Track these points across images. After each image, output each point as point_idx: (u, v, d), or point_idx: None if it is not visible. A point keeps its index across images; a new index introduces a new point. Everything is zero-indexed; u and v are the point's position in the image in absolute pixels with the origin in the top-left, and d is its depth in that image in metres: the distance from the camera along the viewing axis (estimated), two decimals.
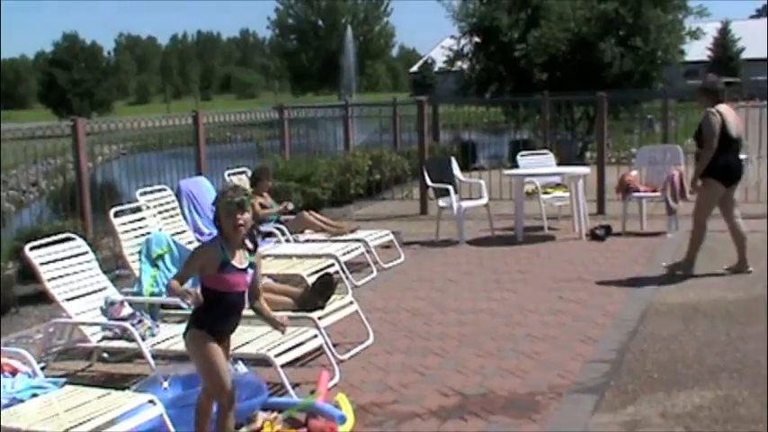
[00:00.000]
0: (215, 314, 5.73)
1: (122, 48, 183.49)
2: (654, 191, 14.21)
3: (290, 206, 13.22)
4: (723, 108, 11.16)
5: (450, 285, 11.31)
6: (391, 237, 12.90)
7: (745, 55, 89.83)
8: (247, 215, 5.63)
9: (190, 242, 10.66)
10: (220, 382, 5.72)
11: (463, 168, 17.01)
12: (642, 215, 14.48)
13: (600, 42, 28.14)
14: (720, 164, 11.02)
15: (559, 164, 16.22)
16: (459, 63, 32.51)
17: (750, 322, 9.09)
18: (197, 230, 11.84)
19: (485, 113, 29.28)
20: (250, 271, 5.77)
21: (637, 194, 14.29)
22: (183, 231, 11.16)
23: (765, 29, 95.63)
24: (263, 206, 12.85)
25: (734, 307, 9.72)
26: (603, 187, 16.07)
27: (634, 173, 14.71)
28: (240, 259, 5.71)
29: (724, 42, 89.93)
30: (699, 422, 6.56)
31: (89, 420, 5.63)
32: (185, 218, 11.68)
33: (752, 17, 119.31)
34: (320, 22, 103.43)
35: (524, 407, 6.97)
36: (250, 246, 5.78)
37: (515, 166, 15.58)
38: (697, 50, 54.46)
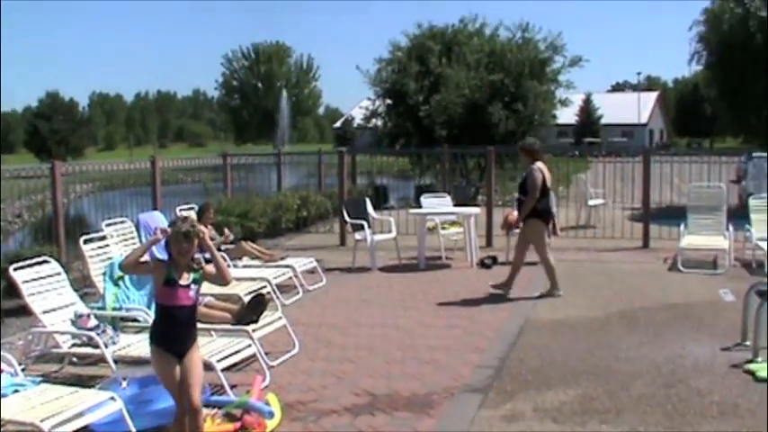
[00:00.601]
0: (166, 327, 5.61)
1: (94, 103, 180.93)
2: None
3: (231, 236, 13.26)
4: (540, 164, 11.71)
5: (364, 304, 11.31)
6: (315, 264, 12.86)
7: (603, 120, 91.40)
8: (188, 244, 5.58)
9: None
10: (175, 395, 5.61)
11: (376, 207, 17.07)
12: None
13: (489, 106, 28.40)
14: (541, 207, 11.61)
15: (456, 205, 16.30)
16: (374, 120, 32.57)
17: (604, 334, 9.28)
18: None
19: (395, 162, 29.46)
20: (193, 287, 5.65)
21: (517, 230, 14.40)
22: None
23: (618, 101, 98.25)
24: (210, 237, 12.89)
25: (593, 322, 9.87)
26: (491, 224, 16.19)
27: (515, 213, 14.82)
28: (185, 278, 5.61)
29: (587, 109, 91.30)
30: (563, 414, 6.69)
31: (61, 413, 5.70)
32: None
33: (608, 91, 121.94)
34: (260, 84, 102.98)
35: (423, 404, 7.02)
36: (194, 265, 5.68)
37: (419, 206, 15.64)
38: (567, 115, 55.41)
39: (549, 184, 11.71)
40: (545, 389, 7.36)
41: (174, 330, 5.63)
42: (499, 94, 28.94)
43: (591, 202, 19.75)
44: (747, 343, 8.48)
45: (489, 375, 7.82)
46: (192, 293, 5.64)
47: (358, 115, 39.36)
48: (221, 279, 5.87)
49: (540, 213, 11.66)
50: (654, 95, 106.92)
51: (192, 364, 5.63)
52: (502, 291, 11.74)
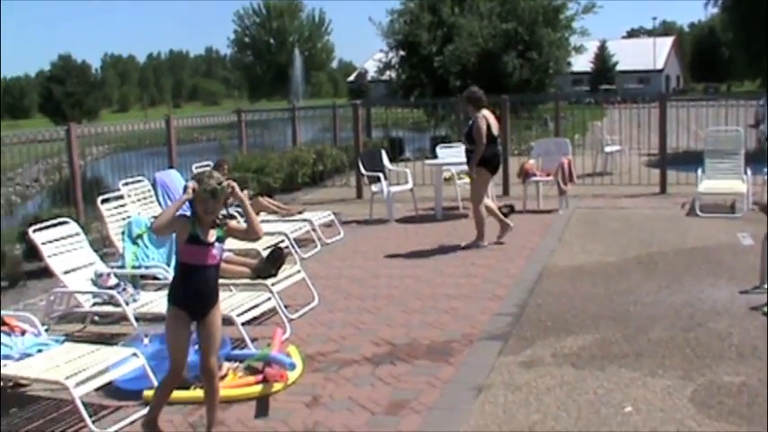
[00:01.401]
0: (186, 288, 5.32)
1: (107, 65, 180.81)
2: (548, 175, 14.33)
3: (249, 192, 13.33)
4: (486, 113, 11.62)
5: (381, 256, 11.34)
6: (332, 217, 12.90)
7: (619, 67, 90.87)
8: (215, 203, 5.25)
9: None
10: (175, 362, 5.39)
11: (392, 160, 17.05)
12: (539, 196, 14.59)
13: (503, 55, 28.36)
14: (487, 155, 11.51)
15: None
16: (387, 72, 32.53)
17: (623, 280, 9.28)
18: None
19: (410, 114, 29.36)
20: (218, 244, 5.35)
21: (534, 179, 14.41)
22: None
23: (633, 47, 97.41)
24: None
25: (611, 268, 9.87)
26: (508, 173, 16.15)
27: (532, 161, 14.83)
28: (210, 235, 5.31)
29: (602, 57, 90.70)
30: (582, 359, 6.72)
31: (84, 370, 5.78)
32: (160, 204, 11.60)
33: (623, 37, 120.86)
34: (272, 41, 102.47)
35: (443, 352, 7.06)
36: (218, 221, 5.37)
37: (435, 157, 15.61)
38: (582, 63, 55.06)
39: (494, 131, 11.68)
40: (564, 334, 7.39)
41: (196, 291, 5.34)
42: (513, 43, 28.85)
43: (607, 149, 19.66)
44: (766, 285, 8.47)
45: (508, 322, 7.86)
46: (216, 251, 5.36)
47: (371, 68, 39.32)
48: (253, 234, 5.58)
49: (486, 161, 11.58)
50: (669, 41, 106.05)
51: (213, 328, 5.43)
52: (477, 246, 11.66)
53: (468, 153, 11.73)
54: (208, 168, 13.17)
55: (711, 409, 5.67)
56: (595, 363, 6.63)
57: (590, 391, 6.05)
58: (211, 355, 5.42)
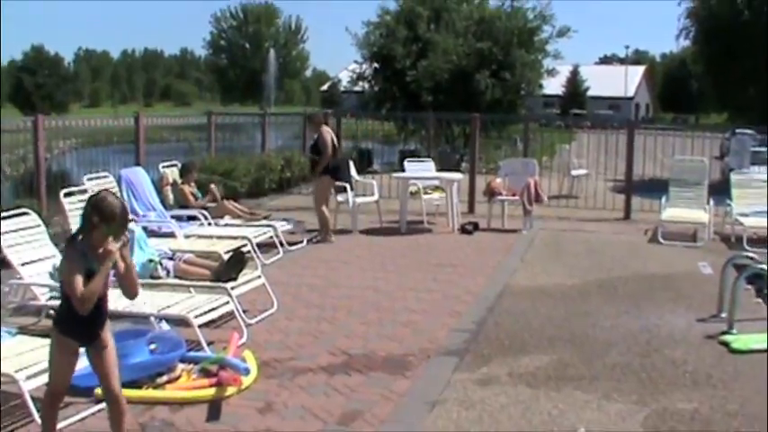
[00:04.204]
0: (78, 318, 4.77)
1: (80, 59, 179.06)
2: (514, 195, 14.39)
3: (218, 194, 13.43)
4: (327, 129, 13.28)
5: (343, 266, 11.30)
6: (296, 224, 12.88)
7: (590, 92, 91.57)
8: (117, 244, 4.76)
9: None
10: (55, 386, 5.01)
11: (360, 171, 17.00)
12: (504, 215, 14.64)
13: (476, 73, 28.40)
14: (331, 165, 13.17)
15: (439, 171, 16.30)
16: (360, 83, 32.53)
17: (582, 303, 9.31)
18: (133, 212, 11.67)
19: (380, 127, 29.35)
20: (110, 273, 4.87)
21: (500, 198, 14.46)
22: None
23: (605, 73, 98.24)
24: (193, 195, 12.99)
25: (571, 291, 9.91)
26: (474, 191, 16.19)
27: (498, 180, 14.87)
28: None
29: (575, 81, 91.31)
30: (537, 379, 6.72)
31: (36, 364, 5.69)
32: (124, 200, 11.52)
33: (596, 63, 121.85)
34: (247, 45, 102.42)
35: (399, 365, 7.03)
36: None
37: (403, 170, 15.61)
38: (554, 86, 55.39)
39: (336, 145, 13.42)
40: (521, 354, 7.39)
41: (88, 320, 4.84)
42: (487, 62, 28.92)
43: (574, 173, 19.80)
44: (723, 315, 8.53)
45: (466, 339, 7.84)
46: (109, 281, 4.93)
47: (345, 78, 39.25)
48: (126, 291, 5.12)
49: (330, 171, 13.14)
50: (641, 69, 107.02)
51: (106, 350, 4.99)
52: (326, 241, 12.82)
53: (314, 162, 13.25)
54: (174, 168, 13.19)
55: None
56: (551, 383, 6.63)
57: (544, 412, 6.04)
58: (112, 379, 5.00)
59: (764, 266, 8.57)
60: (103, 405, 5.81)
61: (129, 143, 16.23)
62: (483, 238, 13.41)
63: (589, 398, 6.33)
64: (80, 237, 4.80)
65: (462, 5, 31.26)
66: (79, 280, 4.66)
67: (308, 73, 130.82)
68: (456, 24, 29.82)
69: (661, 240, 13.21)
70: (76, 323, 4.85)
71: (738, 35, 24.71)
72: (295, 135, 24.26)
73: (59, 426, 5.54)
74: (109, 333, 5.06)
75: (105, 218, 4.71)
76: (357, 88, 33.47)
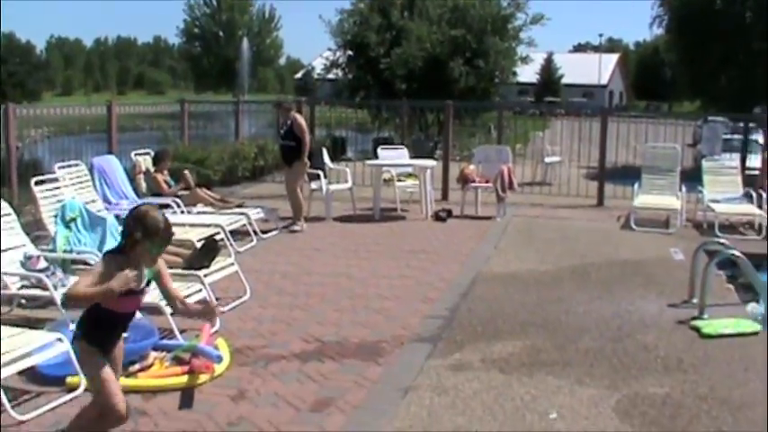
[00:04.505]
0: (105, 332, 4.71)
1: (52, 47, 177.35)
2: (487, 182, 14.41)
3: (192, 182, 13.36)
4: (299, 115, 13.37)
5: (316, 253, 11.29)
6: (270, 212, 12.86)
7: (564, 80, 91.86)
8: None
9: (99, 210, 10.45)
10: (113, 402, 4.63)
11: (334, 159, 17.03)
12: (477, 202, 14.67)
13: (450, 61, 28.39)
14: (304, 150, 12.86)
15: (413, 158, 16.31)
16: (334, 71, 32.45)
17: (555, 289, 9.35)
18: (106, 200, 11.63)
19: (354, 115, 29.32)
20: (147, 289, 4.81)
21: (473, 185, 14.48)
22: (94, 201, 10.92)
23: (579, 61, 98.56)
24: (166, 183, 12.95)
25: (544, 277, 9.95)
26: (447, 178, 16.23)
27: (472, 167, 14.89)
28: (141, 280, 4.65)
29: (549, 69, 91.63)
30: (510, 365, 6.75)
31: (8, 353, 5.65)
32: (96, 189, 11.46)
33: (570, 51, 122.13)
34: (221, 33, 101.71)
35: (372, 352, 7.04)
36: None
37: (377, 158, 15.60)
38: (528, 74, 55.44)
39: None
40: (494, 340, 7.41)
41: (116, 336, 4.83)
42: (460, 50, 28.91)
43: (547, 160, 19.88)
44: (694, 300, 8.59)
45: (439, 326, 7.85)
46: (143, 297, 4.90)
47: (319, 66, 39.13)
48: (171, 300, 5.07)
49: (305, 156, 12.91)
50: (615, 57, 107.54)
51: (117, 360, 4.88)
52: (294, 228, 12.74)
53: (289, 148, 12.91)
54: (147, 156, 13.12)
55: (634, 419, 5.73)
56: (523, 369, 6.65)
57: (516, 397, 6.06)
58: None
59: (735, 252, 8.63)
60: (75, 394, 5.82)
61: (102, 132, 16.13)
62: (456, 225, 13.43)
63: (561, 383, 6.37)
64: (119, 252, 4.61)
65: None
66: (89, 282, 4.46)
67: (282, 61, 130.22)
68: (430, 12, 29.79)
69: (633, 227, 13.28)
70: (109, 342, 4.76)
71: (711, 24, 24.84)
72: (269, 123, 24.22)
73: (31, 414, 5.52)
74: (122, 340, 4.97)
75: (149, 233, 4.55)
76: (331, 76, 33.39)
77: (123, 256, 4.58)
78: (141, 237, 4.54)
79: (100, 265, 4.62)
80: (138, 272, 4.55)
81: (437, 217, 14.01)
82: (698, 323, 7.96)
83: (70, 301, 4.74)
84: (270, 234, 12.35)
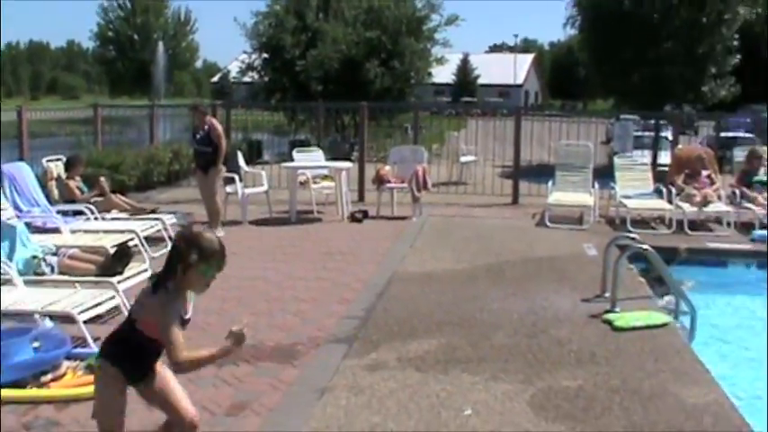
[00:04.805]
0: (135, 357, 4.41)
1: None
2: (402, 182, 14.48)
3: (107, 188, 13.13)
4: (216, 121, 13.21)
5: (233, 257, 10.91)
6: (185, 217, 12.75)
7: (480, 81, 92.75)
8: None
9: (9, 218, 10.23)
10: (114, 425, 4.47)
11: (250, 162, 16.93)
12: (393, 202, 14.71)
13: (366, 63, 28.48)
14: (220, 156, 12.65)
15: (330, 160, 16.31)
16: (250, 74, 32.30)
17: (470, 287, 9.42)
18: (16, 208, 11.39)
19: (270, 118, 29.23)
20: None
21: (389, 185, 14.53)
22: (4, 209, 10.69)
23: (495, 62, 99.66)
24: (79, 189, 12.75)
25: (459, 275, 10.02)
26: (363, 179, 16.26)
27: (387, 168, 14.93)
28: (186, 308, 4.49)
29: (465, 69, 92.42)
30: (426, 363, 6.78)
31: None
32: (6, 196, 11.21)
33: (486, 52, 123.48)
34: (136, 36, 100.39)
35: (288, 354, 7.03)
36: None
37: (293, 160, 15.56)
38: (444, 75, 55.94)
39: None
40: (410, 339, 7.44)
41: (145, 363, 4.53)
42: (376, 51, 29.03)
43: (462, 159, 20.05)
44: (607, 294, 8.74)
45: (355, 326, 7.86)
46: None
47: (235, 69, 38.90)
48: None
49: (222, 161, 12.75)
50: (530, 58, 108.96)
51: (159, 375, 4.62)
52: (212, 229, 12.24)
53: (205, 153, 12.61)
54: (59, 162, 12.88)
55: (548, 413, 5.81)
56: (439, 367, 6.70)
57: (432, 395, 6.10)
58: (182, 402, 4.67)
59: (644, 246, 8.81)
60: None
61: (12, 138, 15.82)
62: (373, 226, 13.48)
63: (476, 379, 6.42)
64: (167, 280, 4.33)
65: None
66: (179, 336, 4.30)
67: (199, 64, 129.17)
68: (345, 13, 29.86)
69: (548, 224, 13.48)
70: (141, 370, 4.49)
71: (621, 25, 25.27)
72: (185, 127, 23.96)
73: None
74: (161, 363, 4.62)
75: (205, 255, 4.31)
76: (247, 79, 33.23)
77: (174, 284, 4.34)
78: (197, 260, 4.29)
79: (163, 303, 4.29)
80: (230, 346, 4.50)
81: (353, 218, 14.04)
82: (610, 316, 8.10)
83: (184, 371, 4.50)
84: None
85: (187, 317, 4.48)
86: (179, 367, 4.38)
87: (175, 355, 4.28)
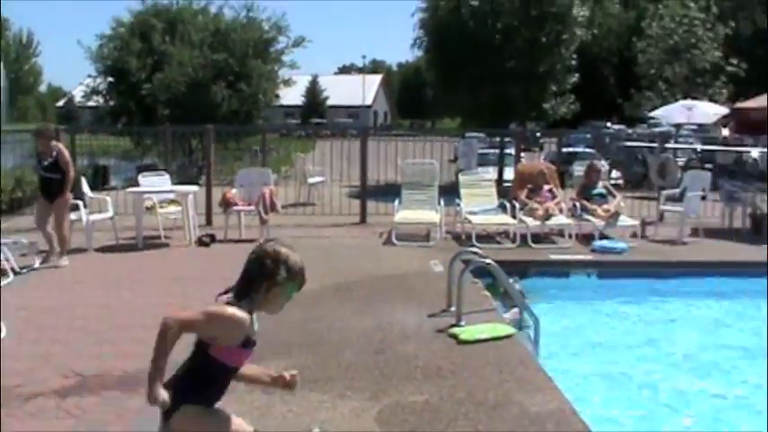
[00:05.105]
0: (213, 386, 4.35)
1: None
2: (249, 205, 14.43)
3: None
4: (63, 146, 12.75)
5: (78, 286, 10.93)
6: (29, 246, 12.37)
7: (330, 102, 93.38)
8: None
9: None
10: None
11: (95, 188, 16.58)
12: (241, 225, 14.64)
13: (213, 85, 28.33)
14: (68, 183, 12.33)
15: (178, 184, 16.09)
16: (95, 98, 31.68)
17: (318, 307, 9.45)
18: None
19: (117, 143, 28.73)
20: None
21: (236, 208, 14.46)
22: None
23: (344, 83, 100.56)
24: None
25: (307, 296, 9.77)
26: (211, 203, 16.11)
27: (234, 191, 14.86)
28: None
29: (314, 91, 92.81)
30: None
31: None
32: None
33: (335, 73, 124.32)
34: None
35: (134, 383, 6.85)
36: None
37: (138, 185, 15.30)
38: (294, 96, 56.05)
39: None
40: (257, 361, 7.32)
41: (223, 391, 4.47)
42: (223, 74, 28.93)
43: (310, 180, 20.16)
44: (452, 309, 8.92)
45: None
46: None
47: (80, 93, 38.07)
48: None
49: (68, 189, 12.37)
50: (378, 78, 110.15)
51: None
52: (63, 263, 12.21)
53: (51, 181, 12.28)
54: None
55: (395, 427, 5.91)
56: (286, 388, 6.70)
57: (279, 416, 6.12)
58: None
59: (487, 260, 9.04)
60: None
61: None
62: (220, 250, 13.38)
63: (324, 398, 6.47)
64: (250, 295, 4.21)
65: (198, 17, 31.14)
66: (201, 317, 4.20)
67: (43, 88, 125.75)
68: (192, 36, 29.65)
69: (395, 242, 13.67)
70: (212, 395, 4.40)
71: (465, 44, 25.82)
72: (29, 153, 23.30)
73: None
74: None
75: (292, 273, 4.19)
76: (92, 103, 32.57)
77: (251, 304, 4.22)
78: (285, 278, 4.17)
79: (233, 319, 4.15)
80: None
81: (201, 242, 13.89)
82: (455, 330, 8.28)
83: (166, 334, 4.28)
84: (29, 269, 11.86)
85: (254, 338, 4.32)
86: (164, 325, 4.24)
87: (174, 318, 4.23)
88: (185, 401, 4.18)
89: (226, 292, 4.28)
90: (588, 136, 33.93)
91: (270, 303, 4.27)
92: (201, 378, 4.25)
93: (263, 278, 4.15)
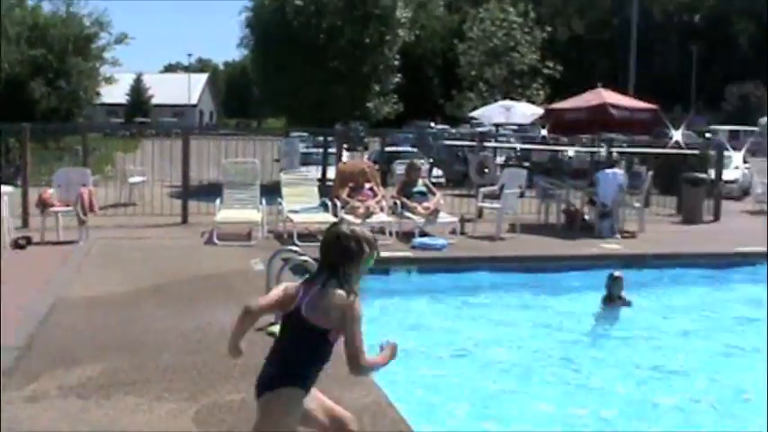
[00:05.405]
0: (319, 369, 4.52)
1: None
2: (68, 206, 14.02)
3: None
4: None
5: None
6: None
7: (155, 100, 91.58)
8: None
9: None
10: None
11: None
12: (58, 227, 14.17)
13: (30, 82, 27.47)
14: None
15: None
16: None
17: (136, 309, 9.35)
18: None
19: None
20: None
21: (53, 209, 14.01)
22: None
23: (170, 81, 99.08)
24: None
25: (126, 298, 9.89)
26: (27, 204, 15.54)
27: (51, 191, 14.40)
28: None
29: (139, 89, 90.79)
30: (87, 389, 6.67)
31: None
32: None
33: (160, 72, 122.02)
34: None
35: None
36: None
37: None
38: (117, 95, 54.79)
39: None
40: (72, 366, 7.25)
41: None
42: (42, 70, 28.09)
43: (131, 180, 19.76)
44: None
45: (15, 357, 7.53)
46: None
47: None
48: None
49: None
50: (204, 77, 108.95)
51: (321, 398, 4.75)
52: None
53: None
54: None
55: (212, 427, 5.92)
56: (101, 392, 6.59)
57: (93, 421, 6.02)
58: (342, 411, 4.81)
59: (305, 258, 9.09)
60: None
61: None
62: (37, 252, 12.95)
63: (141, 401, 6.40)
64: (349, 275, 4.38)
65: (14, 10, 30.04)
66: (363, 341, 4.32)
67: None
68: (9, 31, 28.62)
69: (216, 242, 13.60)
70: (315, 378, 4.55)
71: (289, 44, 25.87)
72: None
73: None
74: None
75: (373, 247, 4.45)
76: None
77: (350, 282, 4.37)
78: (369, 251, 4.42)
79: (358, 308, 4.32)
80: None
81: (17, 245, 13.37)
82: (273, 328, 8.27)
83: (359, 374, 4.59)
84: None
85: None
86: (359, 371, 4.46)
87: (363, 358, 4.38)
88: (290, 384, 4.51)
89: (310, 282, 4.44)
90: (411, 135, 34.52)
91: (357, 278, 4.46)
92: (319, 362, 4.50)
93: (356, 259, 4.39)
